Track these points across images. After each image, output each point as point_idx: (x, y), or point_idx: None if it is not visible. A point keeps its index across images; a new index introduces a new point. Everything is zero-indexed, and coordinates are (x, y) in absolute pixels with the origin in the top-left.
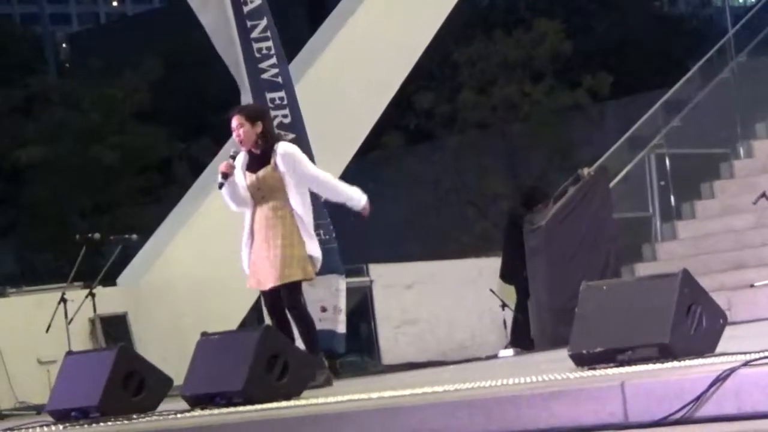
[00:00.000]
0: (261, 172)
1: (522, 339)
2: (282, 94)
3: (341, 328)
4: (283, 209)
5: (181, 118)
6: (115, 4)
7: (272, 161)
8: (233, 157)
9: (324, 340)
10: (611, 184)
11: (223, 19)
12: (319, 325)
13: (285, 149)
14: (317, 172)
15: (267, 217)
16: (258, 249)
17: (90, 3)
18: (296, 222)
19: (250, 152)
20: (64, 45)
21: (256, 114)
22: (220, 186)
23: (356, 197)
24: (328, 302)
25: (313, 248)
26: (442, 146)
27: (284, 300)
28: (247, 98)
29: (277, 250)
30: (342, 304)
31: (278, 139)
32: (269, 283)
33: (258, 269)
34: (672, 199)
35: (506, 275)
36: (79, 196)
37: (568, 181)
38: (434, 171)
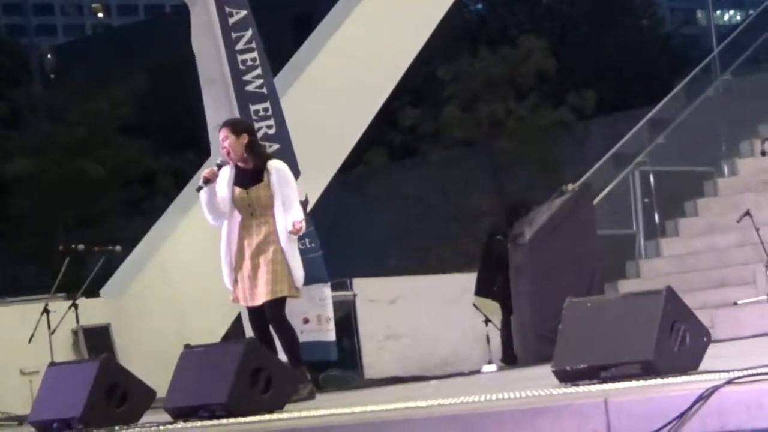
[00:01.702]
0: (253, 189)
1: (511, 355)
2: (267, 105)
3: (331, 336)
4: (273, 225)
5: (165, 131)
6: (100, 15)
7: (265, 179)
8: (219, 166)
9: (310, 351)
10: (595, 201)
11: (209, 28)
12: (302, 337)
13: (278, 166)
14: (296, 202)
15: (259, 234)
16: (247, 265)
17: (76, 15)
18: (283, 240)
19: (237, 167)
20: (49, 56)
21: (242, 127)
22: (199, 189)
23: (299, 218)
24: (311, 313)
25: (298, 266)
26: (427, 162)
27: (267, 313)
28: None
29: (268, 266)
30: (329, 312)
31: (268, 156)
32: (260, 299)
33: (247, 285)
34: (656, 216)
35: (480, 290)
36: (63, 209)
37: (553, 195)
38: (418, 187)
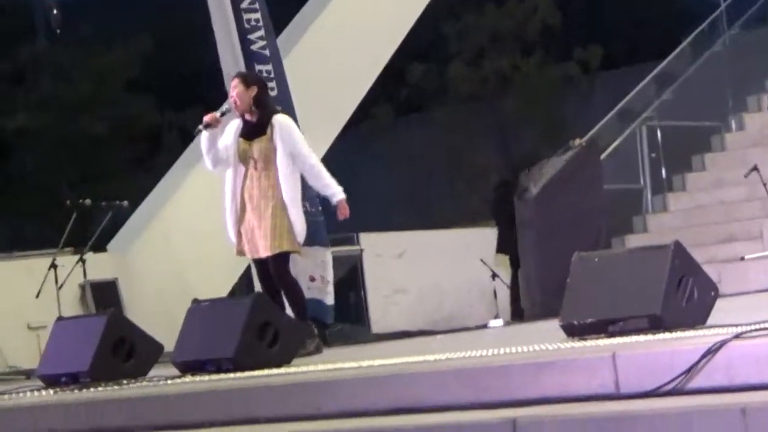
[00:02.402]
0: (256, 142)
1: (519, 310)
2: (269, 67)
3: (329, 299)
4: (275, 180)
5: (171, 87)
6: None
7: (268, 132)
8: (222, 113)
9: (311, 309)
10: (602, 157)
11: None
12: (308, 293)
13: (283, 121)
14: (308, 151)
15: (259, 187)
16: (250, 218)
17: None
18: (285, 193)
19: (244, 120)
20: (55, 11)
21: (252, 79)
22: (197, 132)
23: (334, 189)
24: (315, 273)
25: (299, 220)
26: (432, 119)
27: (271, 268)
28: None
29: (268, 221)
30: (329, 275)
31: (274, 111)
32: (261, 253)
33: (249, 238)
34: (663, 171)
35: (501, 247)
36: (68, 166)
37: (560, 151)
38: (424, 143)
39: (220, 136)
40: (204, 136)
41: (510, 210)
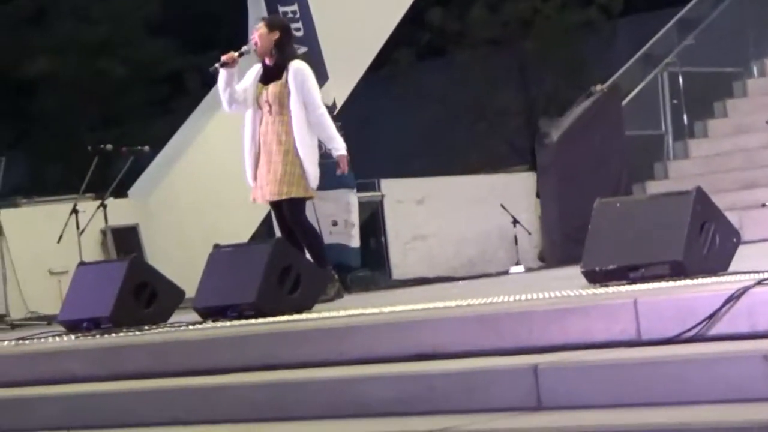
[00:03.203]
0: (271, 86)
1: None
2: (294, 7)
3: (354, 242)
4: (288, 125)
5: (192, 29)
6: None
7: (284, 77)
8: (241, 54)
9: (336, 253)
10: (623, 102)
11: None
12: (330, 239)
13: (298, 66)
14: (318, 99)
15: (273, 132)
16: (263, 162)
17: None
18: (299, 139)
19: (264, 65)
20: None
21: (276, 23)
22: (213, 69)
23: (337, 143)
24: (339, 216)
25: (312, 166)
26: (453, 62)
27: (286, 214)
28: (253, 14)
29: (278, 165)
30: (354, 218)
31: (293, 56)
32: (267, 197)
33: (260, 183)
34: (684, 117)
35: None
36: (88, 109)
37: (581, 96)
38: (445, 87)
39: (240, 78)
40: (221, 75)
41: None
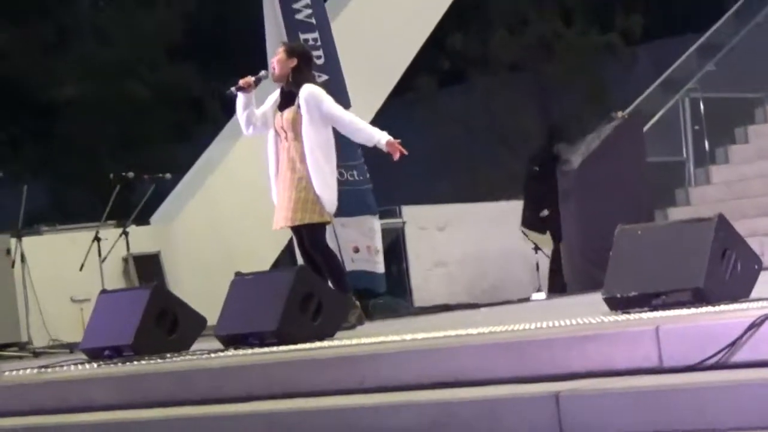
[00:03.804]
0: (286, 112)
1: (560, 284)
2: (315, 35)
3: (380, 268)
4: (302, 151)
5: (214, 54)
6: None
7: (296, 102)
8: (258, 80)
9: (360, 280)
10: (645, 128)
11: None
12: (352, 266)
13: (308, 90)
14: (341, 111)
15: (288, 158)
16: (280, 188)
17: None
18: (311, 164)
19: (282, 90)
20: None
21: (296, 50)
22: (228, 92)
23: (378, 135)
24: (361, 242)
25: (326, 191)
26: (474, 87)
27: (305, 240)
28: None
29: (291, 192)
30: (378, 244)
31: (307, 82)
32: (281, 223)
33: (278, 208)
34: (706, 143)
35: (525, 221)
36: (111, 133)
37: (603, 122)
38: (466, 112)
39: (260, 104)
40: (238, 99)
41: (545, 180)
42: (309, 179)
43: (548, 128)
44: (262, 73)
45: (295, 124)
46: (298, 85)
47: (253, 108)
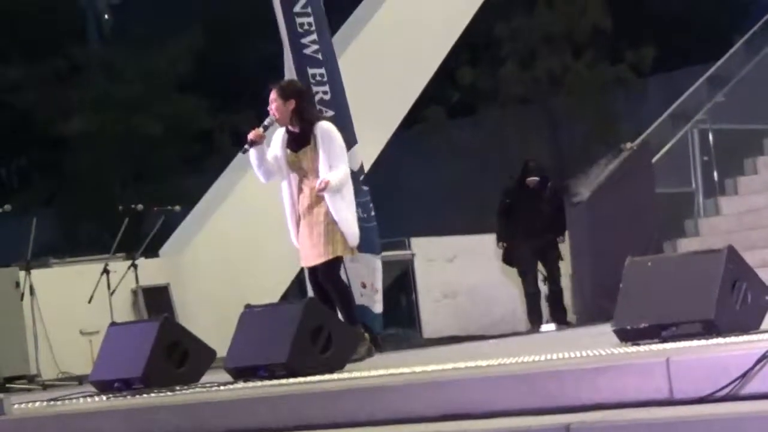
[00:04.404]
0: (302, 153)
1: (538, 315)
2: (322, 70)
3: (378, 307)
4: None
5: (223, 88)
6: None
7: (312, 141)
8: (265, 128)
9: (364, 315)
10: (654, 159)
11: None
12: (361, 300)
13: (324, 127)
14: (340, 163)
15: (311, 197)
16: (303, 227)
17: None
18: (330, 199)
19: (288, 130)
20: (106, 16)
21: (289, 91)
22: (244, 151)
23: (334, 180)
24: (367, 279)
25: (347, 223)
26: (485, 120)
27: (320, 273)
28: (289, 73)
29: (317, 228)
30: (378, 283)
31: (317, 118)
32: (312, 261)
33: (301, 247)
34: (715, 174)
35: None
36: (121, 166)
37: (610, 154)
38: (476, 144)
39: (267, 148)
40: (252, 154)
41: (515, 218)
42: (329, 214)
43: (524, 163)
44: (267, 120)
45: (315, 163)
46: (308, 123)
47: (266, 156)
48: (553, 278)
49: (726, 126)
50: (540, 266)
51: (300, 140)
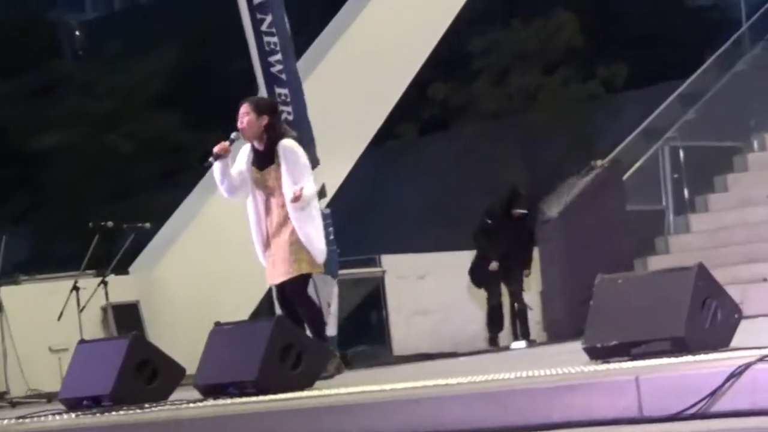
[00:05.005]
0: (268, 171)
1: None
2: (286, 90)
3: (331, 330)
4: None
5: (195, 105)
6: None
7: (276, 160)
8: (231, 141)
9: None
10: (625, 177)
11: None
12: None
13: (287, 144)
14: (303, 181)
15: (278, 215)
16: (270, 245)
17: None
18: (295, 217)
19: (254, 147)
20: (77, 32)
21: (264, 107)
22: (207, 164)
23: (304, 194)
24: (330, 300)
25: (313, 241)
26: (458, 136)
27: (287, 290)
28: (261, 91)
29: (286, 245)
30: (334, 307)
31: (282, 136)
32: (278, 279)
33: (269, 264)
34: (685, 191)
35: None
36: (94, 182)
37: (582, 172)
38: (449, 160)
39: (232, 163)
40: (216, 167)
41: (492, 238)
42: (295, 232)
43: (510, 190)
44: (234, 134)
45: (279, 180)
46: (273, 141)
47: (230, 171)
48: (516, 296)
49: (697, 143)
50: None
51: (265, 158)
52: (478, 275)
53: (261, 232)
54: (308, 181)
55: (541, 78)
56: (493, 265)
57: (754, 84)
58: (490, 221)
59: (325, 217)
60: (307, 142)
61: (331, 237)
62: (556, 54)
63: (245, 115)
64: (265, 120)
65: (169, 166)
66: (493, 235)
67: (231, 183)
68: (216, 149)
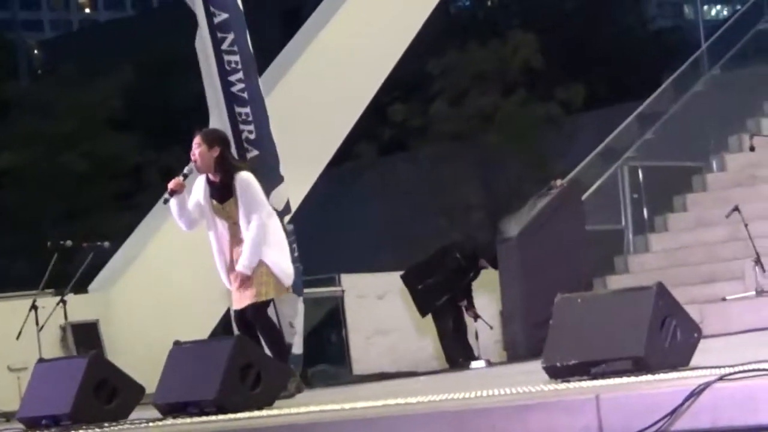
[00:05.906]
0: (227, 204)
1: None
2: (248, 109)
3: (297, 349)
4: None
5: (152, 126)
6: (87, 11)
7: (234, 193)
8: (185, 176)
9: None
10: (584, 197)
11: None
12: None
13: (241, 177)
14: (256, 212)
15: (239, 242)
16: (234, 271)
17: (62, 10)
18: (261, 246)
19: (209, 179)
20: (36, 51)
21: (213, 138)
22: (165, 201)
23: (246, 260)
24: (294, 320)
25: (278, 265)
26: (416, 157)
27: (249, 314)
28: (213, 115)
29: (249, 273)
30: (300, 325)
31: (237, 168)
32: (243, 304)
33: (235, 290)
34: (645, 211)
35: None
36: (51, 203)
37: (541, 191)
38: (407, 181)
39: (188, 195)
40: (173, 204)
41: (452, 270)
42: (262, 260)
43: (490, 244)
44: (187, 168)
45: (238, 213)
46: (228, 173)
47: (188, 205)
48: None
49: (656, 163)
50: None
51: (223, 191)
52: (426, 304)
53: (225, 259)
54: (256, 213)
55: (499, 99)
56: (429, 281)
57: (712, 105)
58: (457, 255)
59: (289, 234)
60: (270, 160)
61: (296, 254)
62: (514, 75)
63: (197, 147)
64: (216, 151)
65: (127, 186)
66: (457, 271)
67: (189, 218)
68: (171, 185)
